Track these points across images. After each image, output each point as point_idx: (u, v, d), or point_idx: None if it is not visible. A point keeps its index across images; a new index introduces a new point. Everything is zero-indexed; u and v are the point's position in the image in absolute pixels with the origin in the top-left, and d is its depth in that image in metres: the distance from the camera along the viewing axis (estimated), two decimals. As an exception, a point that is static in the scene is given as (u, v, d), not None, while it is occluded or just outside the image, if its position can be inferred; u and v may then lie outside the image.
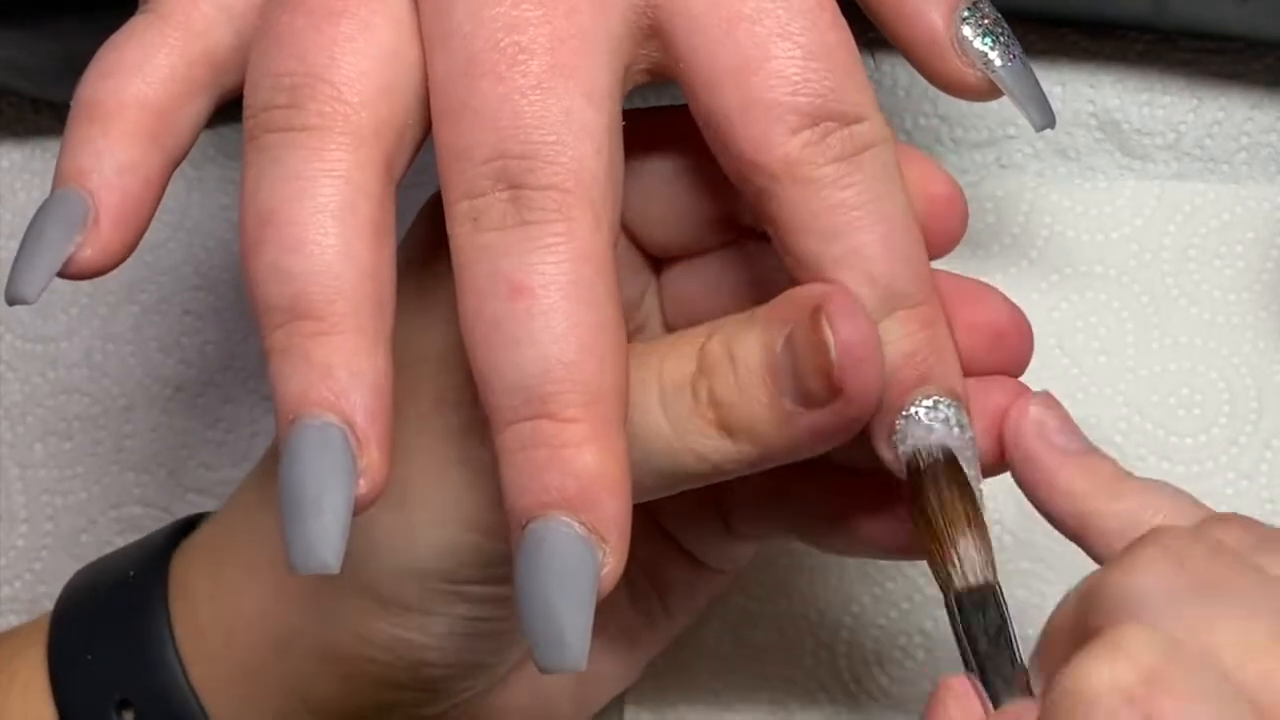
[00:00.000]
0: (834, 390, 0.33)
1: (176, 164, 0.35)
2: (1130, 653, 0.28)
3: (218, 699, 0.40)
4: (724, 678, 0.47)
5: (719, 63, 0.33)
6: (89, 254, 0.34)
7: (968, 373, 0.36)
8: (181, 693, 0.40)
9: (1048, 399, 0.36)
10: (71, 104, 0.34)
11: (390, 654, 0.38)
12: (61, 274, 0.34)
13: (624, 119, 0.34)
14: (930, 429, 0.34)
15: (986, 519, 0.35)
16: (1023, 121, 0.38)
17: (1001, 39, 0.36)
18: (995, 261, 0.47)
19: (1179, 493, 0.35)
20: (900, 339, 0.34)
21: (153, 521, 0.50)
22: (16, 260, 0.34)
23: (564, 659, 0.31)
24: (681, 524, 0.42)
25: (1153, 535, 0.31)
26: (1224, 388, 0.45)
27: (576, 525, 0.31)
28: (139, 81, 0.34)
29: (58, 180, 0.34)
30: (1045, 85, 0.37)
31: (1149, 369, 0.46)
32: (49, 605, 0.43)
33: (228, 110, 0.36)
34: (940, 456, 0.34)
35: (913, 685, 0.46)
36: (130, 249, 0.34)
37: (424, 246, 0.38)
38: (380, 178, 0.32)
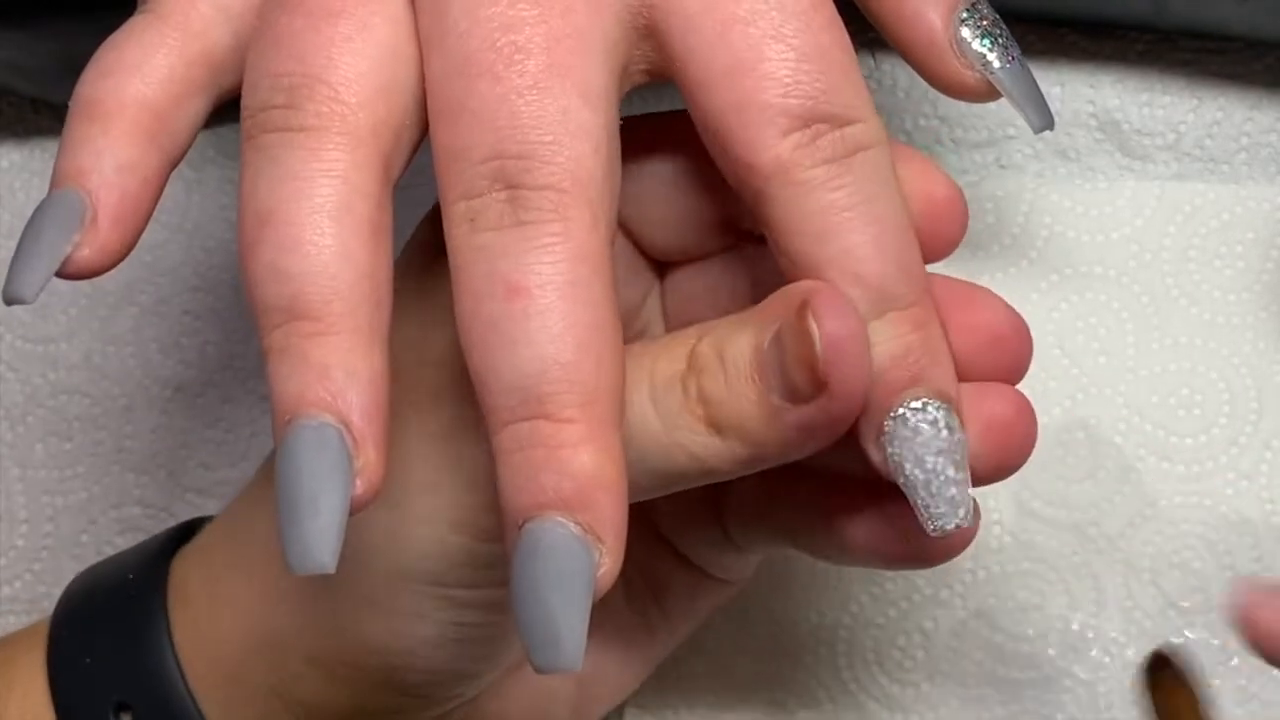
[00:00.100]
0: (818, 384, 0.33)
1: (175, 164, 0.35)
2: None
3: (214, 701, 0.40)
4: (724, 678, 0.47)
5: (713, 64, 0.33)
6: (87, 254, 0.34)
7: (965, 377, 0.36)
8: (179, 695, 0.40)
9: (1250, 583, 0.36)
10: (70, 104, 0.34)
11: (376, 658, 0.38)
12: (60, 274, 0.34)
13: (628, 123, 0.34)
14: (917, 430, 0.34)
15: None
16: (1022, 122, 0.38)
17: (1000, 40, 0.36)
18: (995, 262, 0.47)
19: None
20: (890, 340, 0.34)
21: (152, 522, 0.50)
22: (14, 260, 0.34)
23: (559, 660, 0.31)
24: (682, 531, 0.42)
25: None
26: (1224, 388, 0.45)
27: (573, 526, 0.31)
28: (138, 81, 0.34)
29: (56, 180, 0.34)
30: (1044, 86, 0.37)
31: (1149, 369, 0.46)
32: (49, 605, 0.43)
33: (226, 111, 0.36)
34: (1181, 662, 0.34)
35: (912, 685, 0.46)
36: (128, 249, 0.34)
37: (423, 248, 0.38)
38: (378, 178, 0.32)
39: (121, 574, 0.42)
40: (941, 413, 0.34)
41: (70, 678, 0.41)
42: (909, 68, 0.36)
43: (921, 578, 0.46)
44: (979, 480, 0.35)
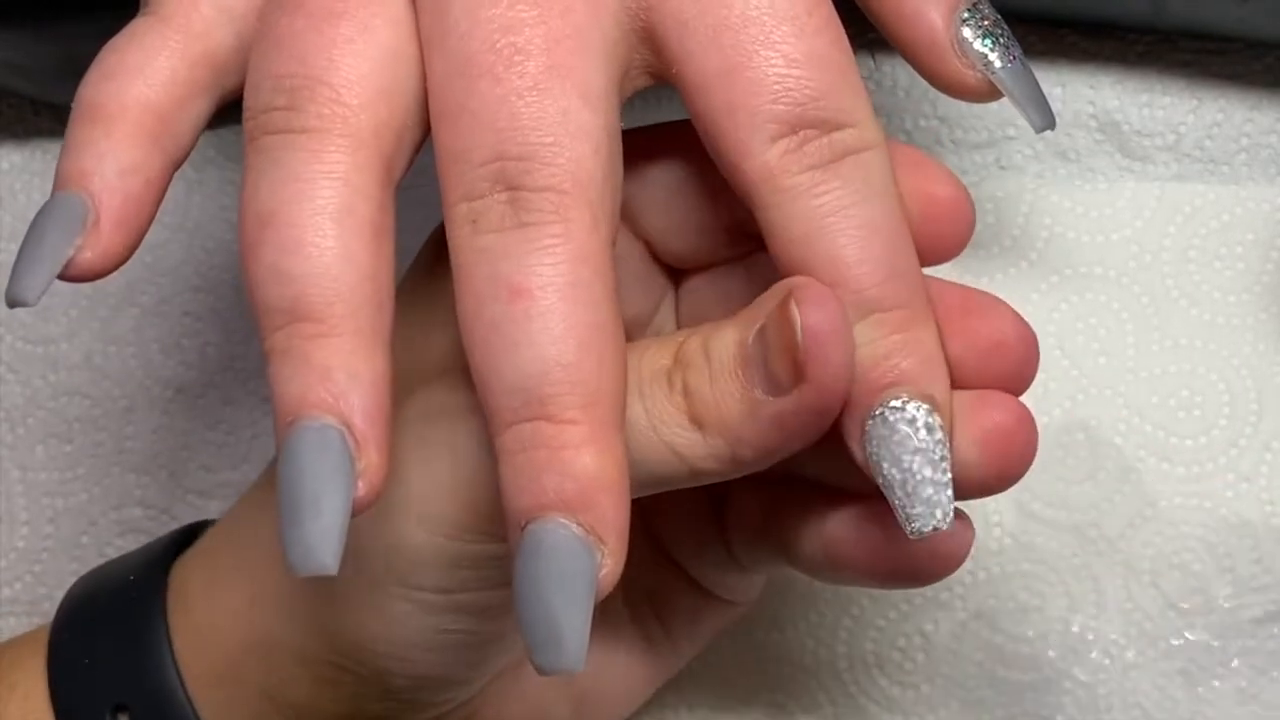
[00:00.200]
0: (798, 373, 0.33)
1: (177, 166, 0.35)
2: None
3: (211, 703, 0.40)
4: (724, 680, 0.47)
5: (706, 67, 0.33)
6: (89, 256, 0.34)
7: (967, 384, 0.35)
8: (177, 698, 0.40)
9: None
10: (72, 106, 0.34)
11: (360, 660, 0.38)
12: (62, 276, 0.34)
13: (639, 131, 0.34)
14: (894, 430, 0.34)
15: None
16: (1022, 123, 0.38)
17: (1001, 40, 0.36)
18: (995, 263, 0.47)
19: None
20: (873, 341, 0.34)
21: (153, 523, 0.50)
22: (17, 263, 0.34)
23: (561, 660, 0.31)
24: (687, 550, 0.42)
25: None
26: (1224, 389, 0.45)
27: (575, 527, 0.31)
28: (140, 83, 0.34)
29: (58, 182, 0.34)
30: (1045, 86, 0.37)
31: (1149, 370, 0.46)
32: (50, 607, 0.43)
33: (228, 112, 0.36)
34: None
35: (912, 687, 0.46)
36: (131, 251, 0.34)
37: (425, 250, 0.38)
38: (379, 179, 0.33)
39: (123, 577, 0.42)
40: (921, 413, 0.34)
41: (70, 680, 0.41)
42: (909, 68, 0.36)
43: (922, 579, 0.46)
44: (980, 490, 0.35)
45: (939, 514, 0.34)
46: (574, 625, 0.31)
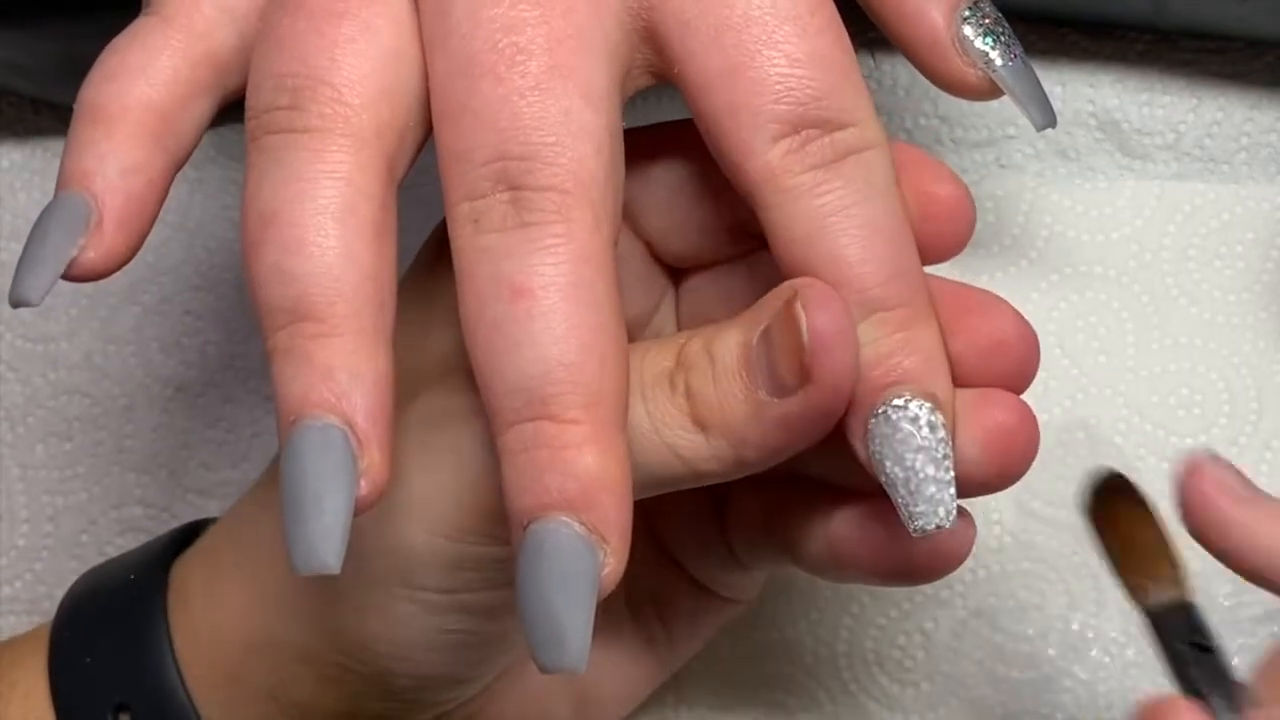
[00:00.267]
0: (804, 374, 0.33)
1: (180, 166, 0.35)
2: None
3: (214, 703, 0.40)
4: (724, 678, 0.47)
5: (709, 67, 0.33)
6: (92, 256, 0.34)
7: (968, 382, 0.36)
8: (178, 697, 0.40)
9: (1215, 457, 0.36)
10: (75, 106, 0.34)
11: (360, 662, 0.38)
12: (65, 276, 0.34)
13: (641, 130, 0.34)
14: (897, 428, 0.34)
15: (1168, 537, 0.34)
16: (1023, 121, 0.38)
17: (1003, 39, 0.36)
18: (995, 261, 0.47)
19: None
20: (875, 341, 0.34)
21: (153, 522, 0.50)
22: (20, 263, 0.34)
23: (564, 659, 0.31)
24: (688, 549, 0.42)
25: None
26: (1224, 388, 0.45)
27: (577, 526, 0.31)
28: (142, 84, 0.34)
29: (61, 183, 0.34)
30: (1045, 85, 0.37)
31: (1149, 369, 0.46)
32: (50, 606, 0.43)
33: (229, 111, 0.36)
34: (1120, 475, 0.34)
35: (912, 684, 0.46)
36: (134, 251, 0.34)
37: (427, 249, 0.38)
38: (381, 179, 0.33)
39: (124, 575, 0.42)
40: (924, 411, 0.34)
41: (70, 678, 0.41)
42: (909, 67, 0.36)
43: (922, 578, 0.46)
44: (981, 488, 0.35)
45: (942, 512, 0.34)
46: (576, 624, 0.31)
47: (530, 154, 0.32)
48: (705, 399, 0.34)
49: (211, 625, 0.40)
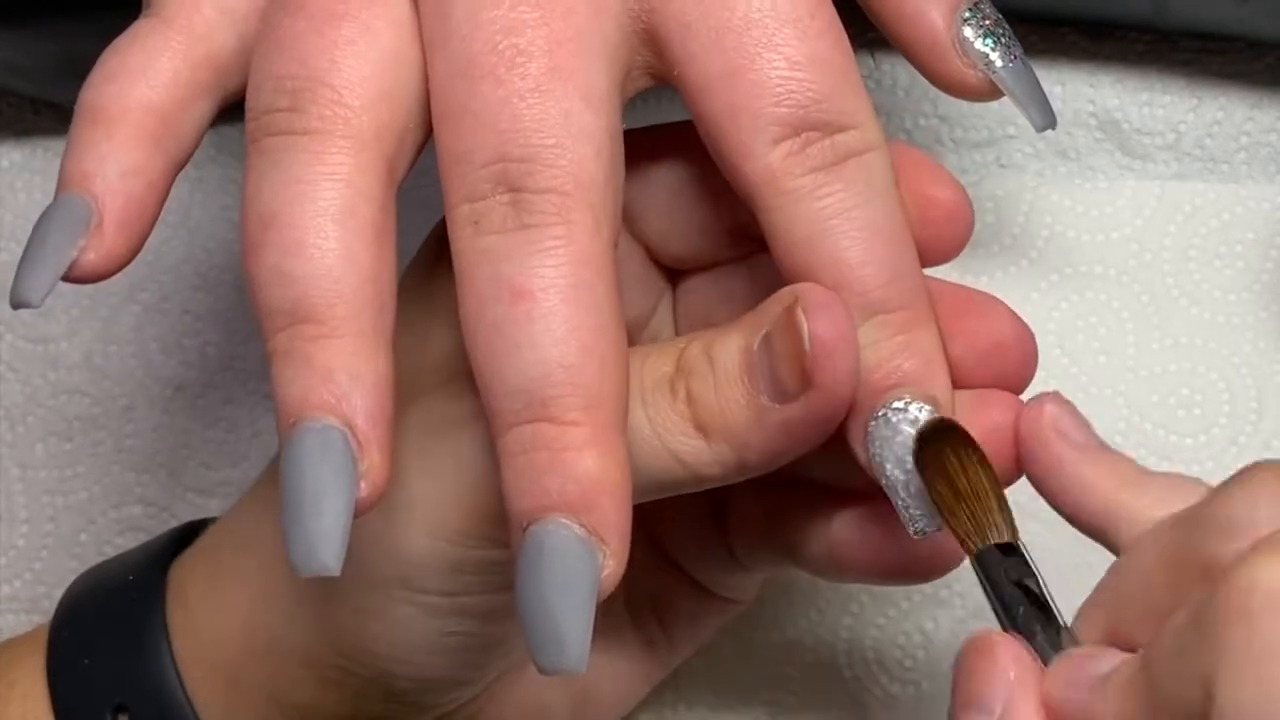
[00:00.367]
0: (806, 380, 0.33)
1: (180, 167, 0.35)
2: None
3: (213, 706, 0.40)
4: (724, 677, 0.47)
5: (709, 70, 0.33)
6: (93, 258, 0.34)
7: (967, 384, 0.36)
8: (176, 698, 0.40)
9: (1060, 398, 0.36)
10: (75, 108, 0.34)
11: (361, 664, 0.38)
12: (65, 278, 0.34)
13: (640, 132, 0.34)
14: (898, 431, 0.34)
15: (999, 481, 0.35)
16: (1023, 121, 0.38)
17: (1003, 40, 0.36)
18: (995, 262, 0.47)
19: (1200, 483, 0.35)
20: (876, 343, 0.34)
21: (153, 522, 0.50)
22: (21, 264, 0.34)
23: (564, 661, 0.31)
24: (688, 551, 0.42)
25: (1257, 465, 0.32)
26: (1224, 388, 0.45)
27: (577, 528, 0.31)
28: (142, 85, 0.34)
29: (61, 184, 0.34)
30: (1045, 85, 0.37)
31: (1149, 369, 0.46)
32: (49, 605, 0.43)
33: (229, 110, 0.36)
34: (951, 423, 0.34)
35: (913, 684, 0.46)
36: (134, 252, 0.34)
37: (426, 251, 0.38)
38: (381, 181, 0.33)
39: (123, 575, 0.42)
40: (923, 413, 0.34)
41: (69, 679, 0.41)
42: (909, 67, 0.36)
43: (922, 578, 0.46)
44: None
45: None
46: (576, 626, 0.31)
47: (530, 156, 0.32)
48: (706, 404, 0.34)
49: (211, 626, 0.40)
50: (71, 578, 0.43)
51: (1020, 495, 0.45)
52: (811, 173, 0.34)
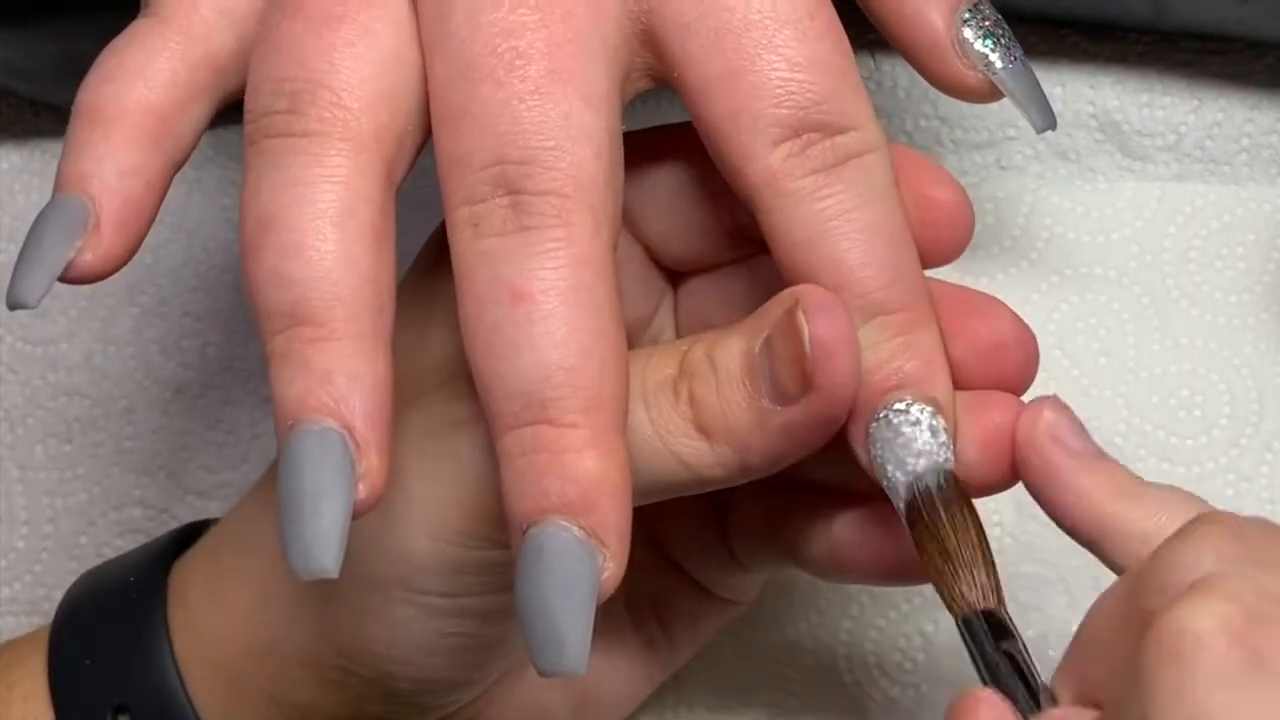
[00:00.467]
0: (806, 382, 0.33)
1: (178, 168, 0.35)
2: (1231, 594, 0.29)
3: (214, 707, 0.40)
4: (724, 679, 0.47)
5: (709, 71, 0.33)
6: (90, 259, 0.34)
7: (968, 385, 0.36)
8: (177, 699, 0.40)
9: (1058, 403, 0.36)
10: (73, 108, 0.34)
11: (361, 665, 0.38)
12: (63, 279, 0.34)
13: (640, 133, 0.34)
14: (899, 432, 0.34)
15: (989, 543, 0.35)
16: (1023, 123, 0.38)
17: (1003, 41, 0.36)
18: (995, 263, 0.47)
19: (1193, 497, 0.35)
20: (877, 345, 0.34)
21: (153, 524, 0.50)
22: (17, 265, 0.34)
23: (563, 663, 0.31)
24: (688, 552, 0.42)
25: (1203, 518, 0.32)
26: (1225, 389, 0.45)
27: (576, 530, 0.31)
28: (140, 86, 0.34)
29: (59, 185, 0.34)
30: (1045, 86, 0.37)
31: (1149, 371, 0.46)
32: (49, 607, 0.43)
33: (228, 111, 0.36)
34: (945, 480, 0.34)
35: (912, 686, 0.46)
36: (131, 253, 0.34)
37: (426, 253, 0.38)
38: (380, 183, 0.32)
39: (123, 576, 0.42)
40: (925, 414, 0.34)
41: (70, 680, 0.41)
42: (909, 68, 0.36)
43: (922, 579, 0.46)
44: (981, 489, 0.35)
45: None
46: (576, 628, 0.31)
47: (530, 158, 0.32)
48: (709, 406, 0.34)
49: (211, 627, 0.40)
50: (71, 579, 0.43)
51: (1021, 495, 0.45)
52: (812, 174, 0.34)
